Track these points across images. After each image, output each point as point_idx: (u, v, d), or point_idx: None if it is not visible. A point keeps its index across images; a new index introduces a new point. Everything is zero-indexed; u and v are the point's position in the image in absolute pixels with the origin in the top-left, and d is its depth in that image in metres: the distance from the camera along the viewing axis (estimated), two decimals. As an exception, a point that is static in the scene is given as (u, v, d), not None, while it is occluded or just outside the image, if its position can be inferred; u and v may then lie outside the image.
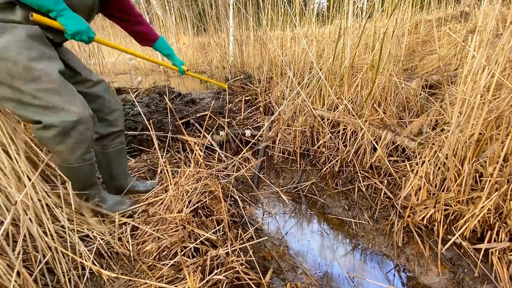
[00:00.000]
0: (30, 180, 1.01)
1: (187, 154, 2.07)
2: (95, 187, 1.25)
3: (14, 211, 0.86)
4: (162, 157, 1.48)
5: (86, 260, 1.03)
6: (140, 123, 2.21)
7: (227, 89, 2.67)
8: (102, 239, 1.15)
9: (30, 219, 0.92)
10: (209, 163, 1.77)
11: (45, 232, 0.96)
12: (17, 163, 1.03)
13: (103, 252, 1.12)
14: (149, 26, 1.49)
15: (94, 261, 1.07)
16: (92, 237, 1.15)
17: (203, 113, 2.55)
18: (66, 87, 1.02)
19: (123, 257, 1.11)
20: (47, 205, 1.07)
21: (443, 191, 1.34)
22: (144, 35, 1.48)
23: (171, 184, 1.34)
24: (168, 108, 2.47)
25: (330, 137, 1.99)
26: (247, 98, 3.16)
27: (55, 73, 0.99)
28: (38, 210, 0.99)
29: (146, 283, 0.98)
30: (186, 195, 1.30)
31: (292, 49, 2.94)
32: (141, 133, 2.14)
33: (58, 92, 0.99)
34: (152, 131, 1.41)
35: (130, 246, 1.14)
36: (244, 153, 2.03)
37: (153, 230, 1.19)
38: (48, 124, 0.99)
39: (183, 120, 2.41)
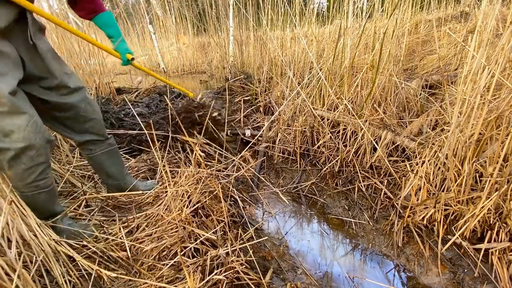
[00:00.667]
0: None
1: (187, 154, 2.08)
2: (57, 216, 1.14)
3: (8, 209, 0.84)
4: (161, 157, 1.48)
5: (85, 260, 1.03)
6: (139, 124, 2.21)
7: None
8: (96, 247, 1.11)
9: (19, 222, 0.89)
10: (209, 163, 1.77)
11: (35, 235, 0.93)
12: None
13: (101, 254, 1.10)
14: None
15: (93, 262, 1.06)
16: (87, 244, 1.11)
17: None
18: (18, 109, 0.95)
19: (120, 260, 1.11)
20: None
21: (443, 191, 1.34)
22: (86, 2, 1.20)
23: (170, 184, 1.34)
24: (169, 108, 2.47)
25: (330, 137, 1.99)
26: (247, 98, 3.16)
27: (5, 96, 0.90)
28: (25, 216, 0.95)
29: (146, 283, 0.98)
30: (186, 195, 1.30)
31: (292, 49, 2.95)
32: (140, 132, 2.14)
33: (9, 115, 0.92)
34: (152, 131, 1.41)
35: (128, 248, 1.13)
36: (244, 152, 2.03)
37: (153, 230, 1.19)
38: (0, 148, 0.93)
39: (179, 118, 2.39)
